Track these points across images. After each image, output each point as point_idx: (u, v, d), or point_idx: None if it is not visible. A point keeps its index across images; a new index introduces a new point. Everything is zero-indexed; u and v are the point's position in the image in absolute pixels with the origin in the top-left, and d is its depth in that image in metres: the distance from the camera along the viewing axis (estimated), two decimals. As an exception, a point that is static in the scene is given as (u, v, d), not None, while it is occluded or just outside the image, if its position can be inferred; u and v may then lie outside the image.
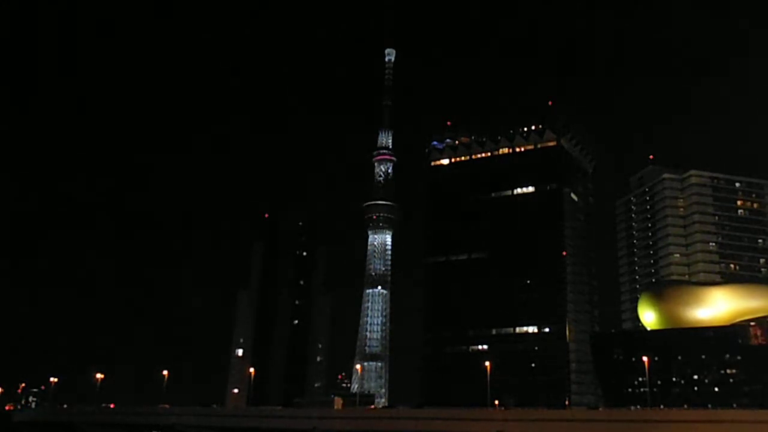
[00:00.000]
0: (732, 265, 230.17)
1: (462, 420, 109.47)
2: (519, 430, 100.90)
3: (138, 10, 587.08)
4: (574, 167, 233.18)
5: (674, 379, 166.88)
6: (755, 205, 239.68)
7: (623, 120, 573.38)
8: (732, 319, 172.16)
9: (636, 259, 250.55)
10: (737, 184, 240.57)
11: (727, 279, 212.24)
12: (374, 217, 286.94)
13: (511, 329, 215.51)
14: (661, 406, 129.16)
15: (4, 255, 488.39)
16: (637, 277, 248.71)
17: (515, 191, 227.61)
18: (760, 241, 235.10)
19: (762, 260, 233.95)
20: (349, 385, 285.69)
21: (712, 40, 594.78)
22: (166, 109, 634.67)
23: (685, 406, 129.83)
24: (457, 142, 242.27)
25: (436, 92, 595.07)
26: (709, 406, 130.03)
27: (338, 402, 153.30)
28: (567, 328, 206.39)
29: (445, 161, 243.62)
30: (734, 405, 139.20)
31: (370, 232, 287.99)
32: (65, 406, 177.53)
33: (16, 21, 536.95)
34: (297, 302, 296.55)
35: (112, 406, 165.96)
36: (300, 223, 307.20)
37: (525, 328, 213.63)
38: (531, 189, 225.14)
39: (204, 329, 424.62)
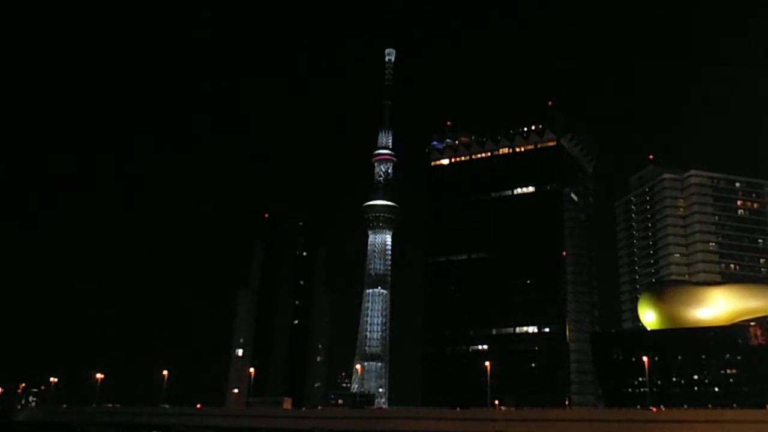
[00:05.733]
0: (732, 265, 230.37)
1: (462, 420, 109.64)
2: (519, 430, 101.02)
3: (140, 8, 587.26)
4: (574, 167, 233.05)
5: (674, 379, 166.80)
6: (755, 205, 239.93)
7: (623, 120, 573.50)
8: (732, 319, 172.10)
9: (636, 259, 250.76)
10: (737, 184, 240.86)
11: (727, 279, 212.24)
12: (374, 217, 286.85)
13: (511, 329, 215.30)
14: (661, 406, 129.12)
15: (3, 255, 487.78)
16: (637, 277, 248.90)
17: (515, 191, 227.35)
18: (760, 241, 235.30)
19: (762, 260, 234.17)
20: (349, 385, 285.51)
21: (712, 39, 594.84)
22: (166, 108, 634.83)
23: (685, 406, 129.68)
24: (457, 142, 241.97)
25: (436, 92, 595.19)
26: (709, 406, 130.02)
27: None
28: (567, 328, 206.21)
29: (445, 161, 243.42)
30: (734, 405, 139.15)
31: (370, 232, 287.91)
32: (65, 406, 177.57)
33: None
34: (297, 302, 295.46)
35: (112, 406, 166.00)
36: (300, 223, 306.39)
37: (525, 328, 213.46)
38: (531, 189, 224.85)
39: (204, 329, 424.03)
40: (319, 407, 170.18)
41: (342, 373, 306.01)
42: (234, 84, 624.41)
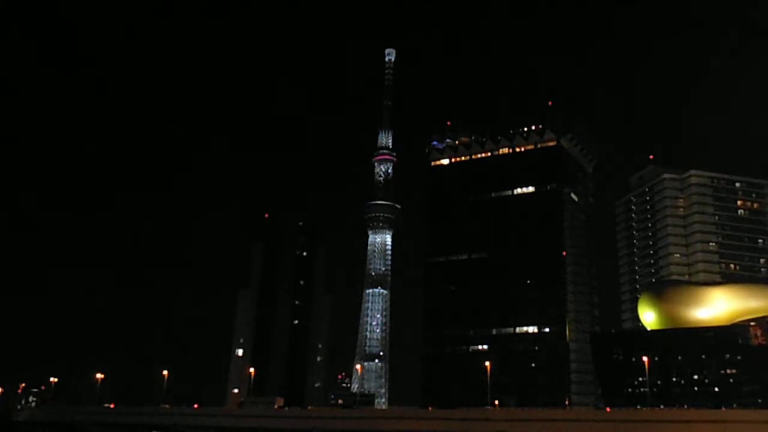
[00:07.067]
0: (732, 265, 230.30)
1: (462, 420, 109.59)
2: (520, 430, 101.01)
3: (139, 11, 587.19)
4: (574, 167, 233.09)
5: (674, 379, 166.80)
6: (755, 205, 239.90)
7: (623, 120, 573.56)
8: (732, 319, 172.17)
9: (636, 259, 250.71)
10: (737, 184, 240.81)
11: (727, 279, 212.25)
12: (374, 217, 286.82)
13: (511, 329, 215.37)
14: (661, 406, 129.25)
15: (3, 256, 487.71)
16: (637, 277, 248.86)
17: (515, 191, 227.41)
18: (760, 241, 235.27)
19: (762, 260, 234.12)
20: (349, 385, 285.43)
21: (712, 39, 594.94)
22: (166, 109, 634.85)
23: (685, 406, 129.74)
24: (457, 142, 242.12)
25: (436, 92, 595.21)
26: (710, 406, 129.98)
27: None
28: (567, 328, 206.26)
29: (445, 161, 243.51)
30: (734, 405, 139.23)
31: (370, 232, 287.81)
32: (65, 406, 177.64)
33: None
34: (297, 302, 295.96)
35: (112, 406, 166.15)
36: (300, 223, 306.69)
37: (525, 328, 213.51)
38: (531, 189, 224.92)
39: (204, 329, 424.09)
40: (309, 407, 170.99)
41: (342, 373, 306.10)
42: (232, 83, 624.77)
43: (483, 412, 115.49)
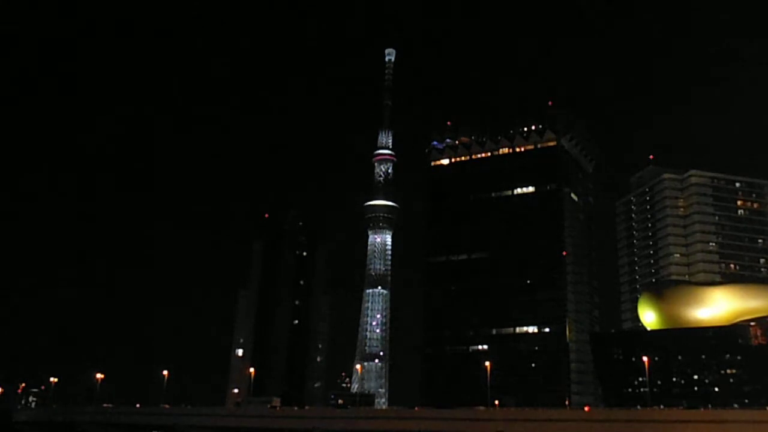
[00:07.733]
0: (732, 265, 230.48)
1: (462, 420, 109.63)
2: (520, 430, 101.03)
3: (135, 10, 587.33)
4: (574, 167, 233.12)
5: (674, 379, 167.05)
6: (755, 205, 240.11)
7: (623, 120, 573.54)
8: (732, 319, 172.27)
9: (636, 259, 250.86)
10: (737, 184, 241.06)
11: (727, 279, 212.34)
12: (374, 217, 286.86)
13: (511, 329, 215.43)
14: (661, 406, 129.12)
15: (3, 256, 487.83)
16: (637, 277, 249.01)
17: (515, 191, 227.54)
18: (760, 241, 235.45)
19: (762, 260, 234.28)
20: (349, 385, 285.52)
21: (713, 39, 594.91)
22: (165, 108, 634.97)
23: (684, 403, 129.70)
24: (457, 142, 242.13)
25: (436, 92, 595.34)
26: (710, 406, 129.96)
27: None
28: (567, 328, 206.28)
29: (445, 161, 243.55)
30: (734, 405, 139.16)
31: (370, 232, 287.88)
32: (65, 406, 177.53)
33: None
34: (297, 302, 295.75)
35: (111, 405, 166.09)
36: (300, 223, 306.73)
37: (525, 328, 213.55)
38: (531, 189, 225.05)
39: (204, 329, 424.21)
40: (307, 407, 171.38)
41: (342, 373, 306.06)
42: (232, 83, 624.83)
43: (482, 412, 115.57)
